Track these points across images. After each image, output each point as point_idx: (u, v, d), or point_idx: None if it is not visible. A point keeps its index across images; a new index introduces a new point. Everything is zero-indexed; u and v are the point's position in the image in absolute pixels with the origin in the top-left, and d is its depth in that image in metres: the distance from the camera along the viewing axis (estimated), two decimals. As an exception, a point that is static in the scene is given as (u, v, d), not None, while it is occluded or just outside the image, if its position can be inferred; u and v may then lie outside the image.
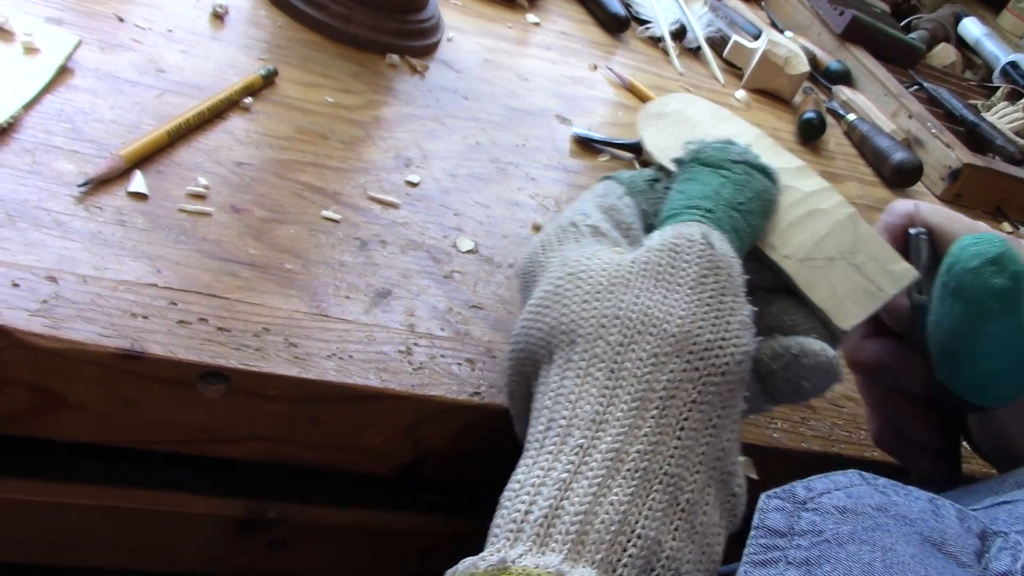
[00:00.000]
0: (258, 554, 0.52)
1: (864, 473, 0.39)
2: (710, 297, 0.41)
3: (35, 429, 0.42)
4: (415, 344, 0.49)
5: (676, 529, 0.36)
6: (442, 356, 0.49)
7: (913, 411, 0.52)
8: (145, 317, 0.42)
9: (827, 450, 0.58)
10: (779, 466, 0.57)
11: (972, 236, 0.45)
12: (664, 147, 0.52)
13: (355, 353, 0.46)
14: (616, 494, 0.35)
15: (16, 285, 0.40)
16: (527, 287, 0.46)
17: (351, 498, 0.53)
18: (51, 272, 0.42)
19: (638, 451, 0.37)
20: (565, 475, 0.36)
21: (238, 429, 0.44)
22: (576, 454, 0.36)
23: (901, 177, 1.02)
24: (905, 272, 0.49)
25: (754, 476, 0.53)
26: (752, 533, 0.37)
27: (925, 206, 0.52)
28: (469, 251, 0.57)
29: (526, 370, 0.42)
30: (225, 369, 0.42)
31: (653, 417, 0.38)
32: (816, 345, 0.44)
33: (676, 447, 0.37)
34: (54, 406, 0.41)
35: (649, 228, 0.48)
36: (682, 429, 0.38)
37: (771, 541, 0.36)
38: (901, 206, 0.52)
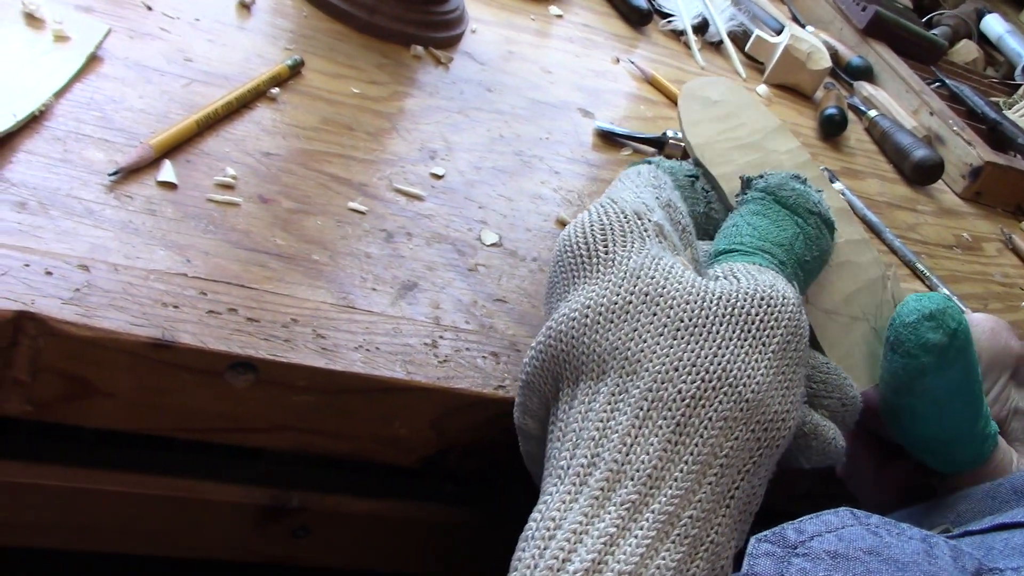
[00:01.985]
0: (281, 542, 0.52)
1: (856, 511, 0.38)
2: (787, 366, 0.39)
3: (65, 416, 0.42)
4: (440, 337, 0.49)
5: None
6: (467, 349, 0.49)
7: (889, 452, 0.50)
8: (175, 306, 0.42)
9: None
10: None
11: (918, 295, 0.44)
12: (705, 141, 0.49)
13: (382, 345, 0.46)
14: (664, 558, 0.34)
15: (49, 273, 0.41)
16: (573, 272, 0.42)
17: (374, 487, 0.53)
18: (83, 260, 0.42)
19: (691, 516, 0.35)
20: (612, 530, 0.34)
21: (266, 419, 0.45)
22: (627, 509, 0.35)
23: (922, 175, 1.02)
24: None
25: None
26: None
27: None
28: (493, 244, 0.57)
29: (560, 372, 0.40)
30: (254, 359, 0.42)
31: (710, 484, 0.36)
32: (830, 432, 0.42)
33: (724, 515, 0.36)
34: (85, 393, 0.41)
35: (697, 230, 0.46)
36: (732, 497, 0.37)
37: None
38: None
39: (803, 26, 1.22)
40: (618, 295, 0.39)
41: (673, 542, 0.34)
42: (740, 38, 1.10)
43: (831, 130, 1.01)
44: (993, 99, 1.28)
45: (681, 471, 0.36)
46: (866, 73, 1.18)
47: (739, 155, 0.48)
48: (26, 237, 0.42)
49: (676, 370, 0.37)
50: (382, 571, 0.57)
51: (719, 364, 0.38)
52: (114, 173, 0.47)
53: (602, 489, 0.35)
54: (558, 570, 0.34)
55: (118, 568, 0.57)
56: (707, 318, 0.39)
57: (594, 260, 0.41)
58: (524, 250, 0.58)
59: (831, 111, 1.01)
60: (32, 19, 0.54)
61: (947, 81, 1.23)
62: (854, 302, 0.47)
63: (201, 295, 0.43)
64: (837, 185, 0.91)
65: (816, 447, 0.41)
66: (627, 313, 0.39)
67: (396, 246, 0.53)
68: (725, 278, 0.41)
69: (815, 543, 0.36)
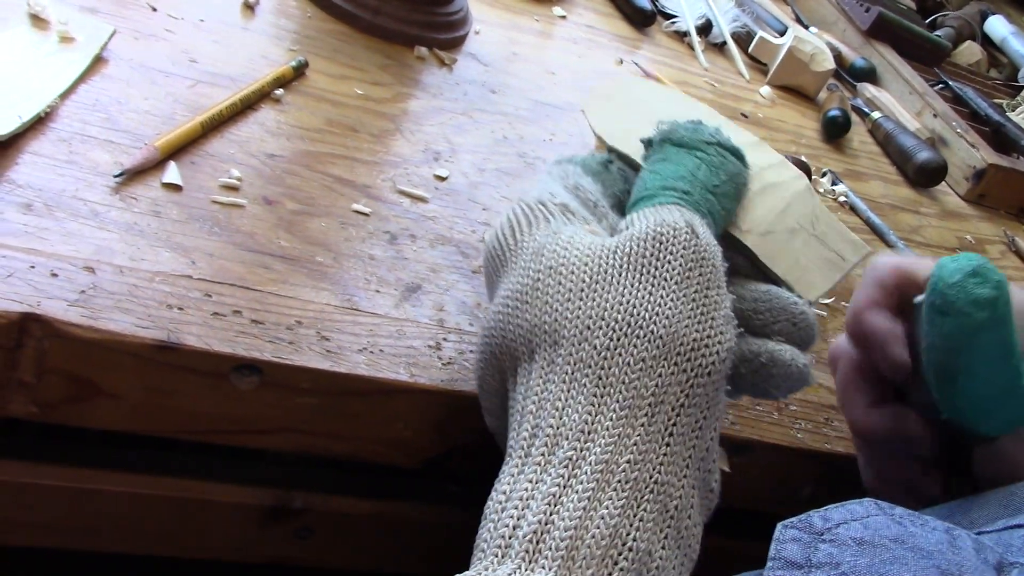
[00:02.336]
0: (284, 543, 0.52)
1: (880, 502, 0.38)
2: (695, 292, 0.40)
3: (70, 417, 0.43)
4: (444, 339, 0.49)
5: (666, 537, 0.36)
6: (471, 351, 0.49)
7: (918, 471, 0.50)
8: (180, 308, 0.42)
9: (851, 451, 0.58)
10: (804, 467, 0.57)
11: (950, 256, 0.44)
12: (614, 130, 0.51)
13: (385, 347, 0.46)
14: (607, 507, 0.35)
15: (55, 275, 0.41)
16: (496, 271, 0.44)
17: (377, 489, 0.53)
18: (88, 262, 0.42)
19: (628, 461, 0.36)
20: (555, 489, 0.35)
21: (270, 421, 0.45)
22: (565, 467, 0.36)
23: (925, 177, 1.01)
24: (860, 243, 0.50)
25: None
26: (769, 564, 0.36)
27: (915, 262, 0.48)
28: (497, 246, 0.57)
29: (502, 364, 0.42)
30: (259, 362, 0.42)
31: (642, 425, 0.37)
32: (787, 355, 0.43)
33: (665, 454, 0.37)
34: (90, 395, 0.42)
35: (617, 208, 0.47)
36: (670, 435, 0.37)
37: (788, 573, 0.35)
38: (887, 266, 0.47)
39: (806, 27, 1.22)
40: (528, 276, 0.41)
41: (615, 489, 0.35)
42: (743, 39, 1.10)
43: (834, 132, 1.01)
44: (997, 101, 1.28)
45: (611, 419, 0.37)
46: (869, 75, 1.18)
47: (645, 131, 0.50)
48: (32, 239, 0.42)
49: (588, 328, 0.39)
50: (385, 572, 0.57)
51: (625, 311, 0.39)
52: (119, 175, 0.47)
53: (543, 455, 0.37)
54: (509, 537, 0.35)
55: (120, 568, 0.57)
56: (606, 272, 0.40)
57: (507, 253, 0.43)
58: (527, 252, 0.58)
59: (834, 113, 1.01)
60: (37, 20, 0.54)
61: (950, 83, 1.23)
62: (787, 216, 0.48)
63: (206, 297, 0.44)
64: (840, 187, 0.91)
65: (777, 373, 0.43)
66: (537, 290, 0.41)
67: (400, 248, 0.53)
68: (626, 228, 0.42)
69: (841, 530, 0.37)
